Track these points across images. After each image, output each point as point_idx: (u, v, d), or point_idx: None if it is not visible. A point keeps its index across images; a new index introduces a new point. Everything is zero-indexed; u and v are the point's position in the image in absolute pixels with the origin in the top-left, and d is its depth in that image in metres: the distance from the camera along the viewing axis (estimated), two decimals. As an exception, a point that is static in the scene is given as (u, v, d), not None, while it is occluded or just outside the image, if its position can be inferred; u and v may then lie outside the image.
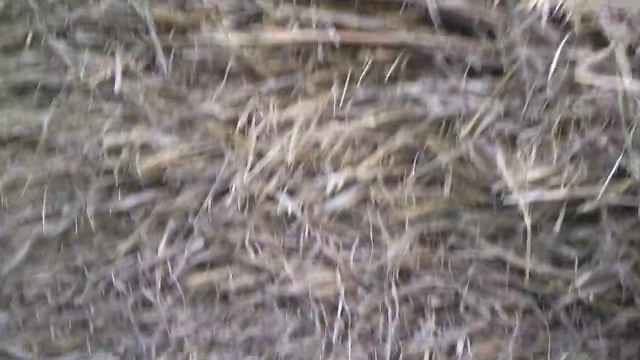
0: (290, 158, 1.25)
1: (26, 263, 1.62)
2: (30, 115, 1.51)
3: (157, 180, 1.47)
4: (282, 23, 1.26)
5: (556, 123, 1.09)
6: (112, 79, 1.45)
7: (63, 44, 1.46)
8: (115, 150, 1.47)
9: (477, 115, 1.13)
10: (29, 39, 1.48)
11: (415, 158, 1.25)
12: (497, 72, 1.15)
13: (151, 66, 1.43)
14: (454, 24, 1.14)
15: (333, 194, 1.30)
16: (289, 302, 1.43)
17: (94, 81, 1.42)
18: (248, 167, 1.30)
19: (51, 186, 1.55)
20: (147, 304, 1.55)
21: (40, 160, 1.52)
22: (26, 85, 1.52)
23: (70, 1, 1.44)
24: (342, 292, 1.34)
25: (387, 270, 1.30)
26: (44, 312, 1.63)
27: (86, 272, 1.59)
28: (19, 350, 1.63)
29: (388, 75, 1.21)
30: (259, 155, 1.33)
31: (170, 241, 1.49)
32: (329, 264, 1.36)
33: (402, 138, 1.23)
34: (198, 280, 1.47)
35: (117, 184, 1.48)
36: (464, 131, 1.14)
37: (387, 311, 1.33)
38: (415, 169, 1.25)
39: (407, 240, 1.26)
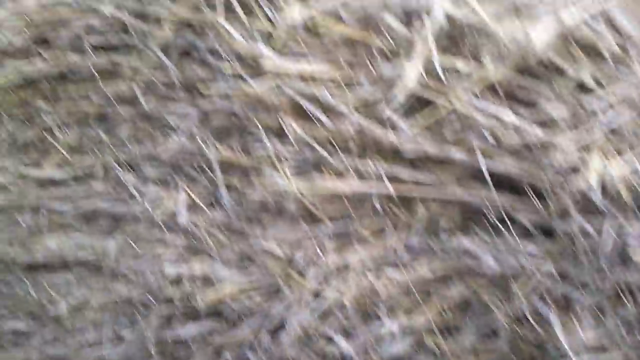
0: (347, 301, 1.27)
1: (88, 385, 1.65)
2: (97, 241, 1.55)
3: (216, 312, 1.49)
4: (340, 172, 1.29)
5: (609, 289, 1.10)
6: (176, 212, 1.46)
7: (131, 176, 1.48)
8: (176, 280, 1.50)
9: (531, 276, 1.14)
10: (99, 170, 1.51)
11: (471, 310, 1.24)
12: (549, 233, 1.17)
13: (214, 201, 1.47)
14: (504, 182, 1.17)
15: (389, 339, 1.30)
16: None
17: (159, 213, 1.46)
18: (305, 307, 1.33)
19: (114, 311, 1.59)
20: None
21: (104, 285, 1.57)
22: (94, 213, 1.57)
23: (139, 137, 1.47)
24: None
25: None
26: None
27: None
28: None
29: (441, 228, 1.23)
30: (316, 294, 1.34)
31: (227, 373, 1.51)
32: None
33: (457, 290, 1.24)
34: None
35: (177, 313, 1.50)
36: (519, 291, 1.15)
37: None
38: (470, 321, 1.24)
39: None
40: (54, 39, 1.51)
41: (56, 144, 1.56)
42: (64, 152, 1.56)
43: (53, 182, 1.60)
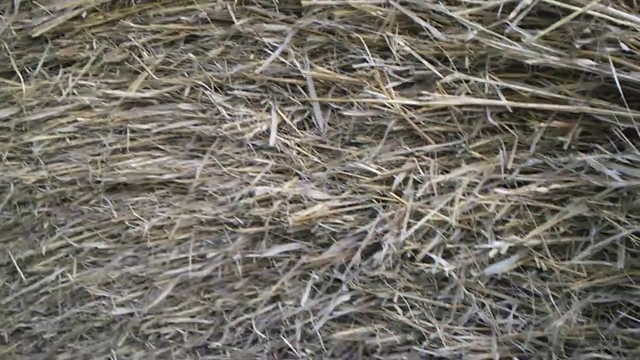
0: (453, 220, 1.24)
1: (166, 304, 1.64)
2: (182, 162, 1.53)
3: (305, 233, 1.49)
4: (449, 88, 1.26)
5: None
6: (267, 133, 1.46)
7: (220, 97, 1.46)
8: (265, 201, 1.48)
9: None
10: (187, 91, 1.50)
11: (587, 229, 1.21)
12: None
13: (306, 123, 1.46)
14: (633, 96, 1.13)
15: (493, 259, 1.27)
16: (437, 364, 1.41)
17: (249, 134, 1.44)
18: (405, 226, 1.31)
19: (198, 231, 1.58)
20: (285, 353, 1.55)
21: (189, 206, 1.56)
22: (180, 134, 1.55)
23: (230, 58, 1.45)
24: (497, 358, 1.30)
25: (551, 340, 1.26)
26: (180, 353, 1.64)
27: (225, 317, 1.61)
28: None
29: (560, 145, 1.19)
30: (416, 215, 1.32)
31: (313, 293, 1.49)
32: (484, 328, 1.33)
33: (574, 208, 1.20)
34: (341, 333, 1.46)
35: (264, 234, 1.49)
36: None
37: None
38: (585, 240, 1.21)
39: (575, 311, 1.23)
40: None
41: (143, 65, 1.51)
42: (151, 73, 1.51)
43: (138, 103, 1.58)
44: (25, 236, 1.76)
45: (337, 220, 1.42)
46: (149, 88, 1.56)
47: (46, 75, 1.62)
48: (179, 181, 1.58)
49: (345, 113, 1.39)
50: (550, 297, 1.25)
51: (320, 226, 1.41)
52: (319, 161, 1.44)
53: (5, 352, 1.78)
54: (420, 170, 1.33)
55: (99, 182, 1.63)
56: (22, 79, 1.64)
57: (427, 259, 1.34)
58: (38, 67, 1.61)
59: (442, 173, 1.31)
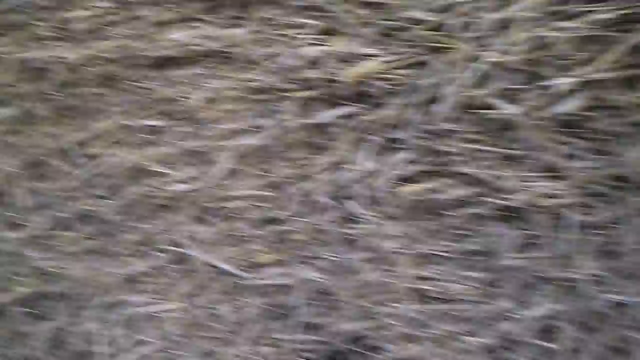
0: (514, 58, 1.16)
1: (225, 177, 1.63)
2: (225, 30, 1.50)
3: (359, 94, 1.45)
4: None
5: None
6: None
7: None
8: (315, 63, 1.43)
9: None
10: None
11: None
12: None
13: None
14: None
15: (560, 97, 1.19)
16: (509, 214, 1.37)
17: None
18: (460, 73, 1.23)
19: (249, 100, 1.53)
20: (350, 219, 1.52)
21: (237, 75, 1.50)
22: (219, 2, 1.51)
23: None
24: (572, 202, 1.24)
25: (629, 177, 1.19)
26: (244, 225, 1.64)
27: (286, 186, 1.58)
28: (221, 263, 1.64)
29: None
30: (473, 59, 1.24)
31: (374, 154, 1.45)
32: (556, 173, 1.28)
33: (644, 29, 1.10)
34: (406, 193, 1.42)
35: (317, 97, 1.43)
36: None
37: (628, 222, 1.22)
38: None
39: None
40: None
41: None
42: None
43: (173, -27, 1.45)
44: (76, 119, 1.70)
45: (390, 76, 1.33)
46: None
47: (79, -51, 1.50)
48: (224, 50, 1.50)
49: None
50: (623, 133, 1.16)
51: (373, 84, 1.32)
52: (366, 15, 1.33)
53: (72, 237, 1.81)
54: (475, 11, 1.22)
55: (142, 57, 1.55)
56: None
57: (489, 105, 1.25)
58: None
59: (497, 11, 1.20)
